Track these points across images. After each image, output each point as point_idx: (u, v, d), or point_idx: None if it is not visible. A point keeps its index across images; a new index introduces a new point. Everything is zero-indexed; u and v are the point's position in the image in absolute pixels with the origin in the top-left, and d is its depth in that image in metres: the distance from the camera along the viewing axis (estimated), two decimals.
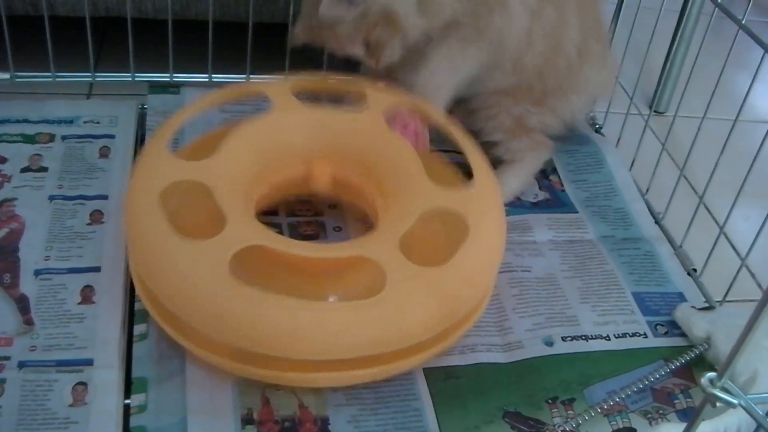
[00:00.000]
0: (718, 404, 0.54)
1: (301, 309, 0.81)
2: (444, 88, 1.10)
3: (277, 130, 1.01)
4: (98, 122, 1.20)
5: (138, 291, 0.92)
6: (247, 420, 0.85)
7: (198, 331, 0.85)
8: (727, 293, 1.07)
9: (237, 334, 0.82)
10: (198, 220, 0.90)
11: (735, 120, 1.06)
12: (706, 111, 1.12)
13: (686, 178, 1.19)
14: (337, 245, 0.99)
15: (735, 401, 0.54)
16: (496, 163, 1.16)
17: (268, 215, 1.07)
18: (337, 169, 1.03)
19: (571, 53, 1.15)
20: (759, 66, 1.02)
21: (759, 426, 0.56)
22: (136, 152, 1.16)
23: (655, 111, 1.53)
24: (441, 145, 1.11)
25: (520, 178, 1.19)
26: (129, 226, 0.91)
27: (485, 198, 0.97)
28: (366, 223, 1.07)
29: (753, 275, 1.08)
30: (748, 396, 0.54)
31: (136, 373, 0.88)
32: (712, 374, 0.54)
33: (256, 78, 1.30)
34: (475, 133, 1.13)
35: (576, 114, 1.23)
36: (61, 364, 0.88)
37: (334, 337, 0.82)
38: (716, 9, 1.10)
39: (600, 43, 1.21)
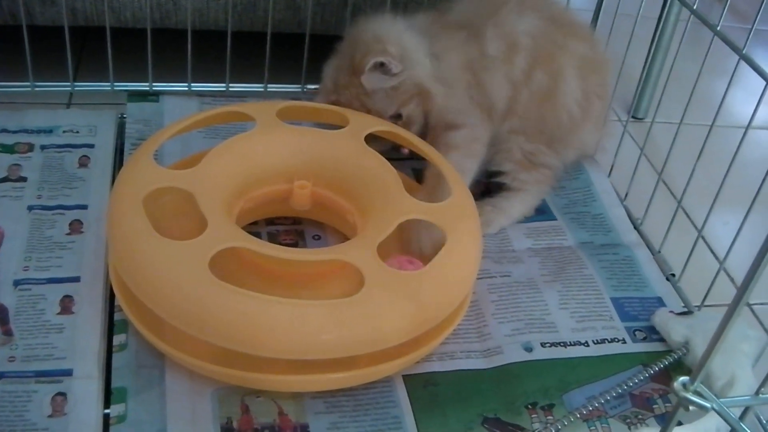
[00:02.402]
0: (692, 408, 0.54)
1: (279, 305, 0.82)
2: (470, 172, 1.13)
3: (260, 147, 1.02)
4: (77, 132, 1.20)
5: (117, 296, 0.92)
6: (226, 429, 0.84)
7: (177, 334, 0.85)
8: (705, 298, 1.07)
9: (216, 331, 0.82)
10: (180, 229, 0.90)
11: (711, 125, 1.06)
12: (683, 116, 1.12)
13: (665, 183, 1.20)
14: (316, 250, 1.00)
15: (708, 405, 0.54)
16: (498, 190, 1.19)
17: (248, 225, 1.07)
18: (317, 188, 1.04)
19: (573, 110, 1.18)
20: (734, 71, 1.03)
21: (733, 429, 0.56)
22: (115, 162, 1.16)
23: (633, 117, 1.54)
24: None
25: (523, 206, 1.20)
26: (111, 227, 0.91)
27: (461, 209, 0.98)
28: (345, 233, 1.08)
29: (732, 279, 1.09)
30: (722, 399, 0.54)
31: (115, 383, 0.87)
32: (685, 378, 0.55)
33: (235, 86, 1.30)
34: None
35: (568, 163, 1.26)
36: (40, 374, 0.87)
37: (312, 334, 0.82)
38: (692, 15, 1.11)
39: (602, 101, 1.23)
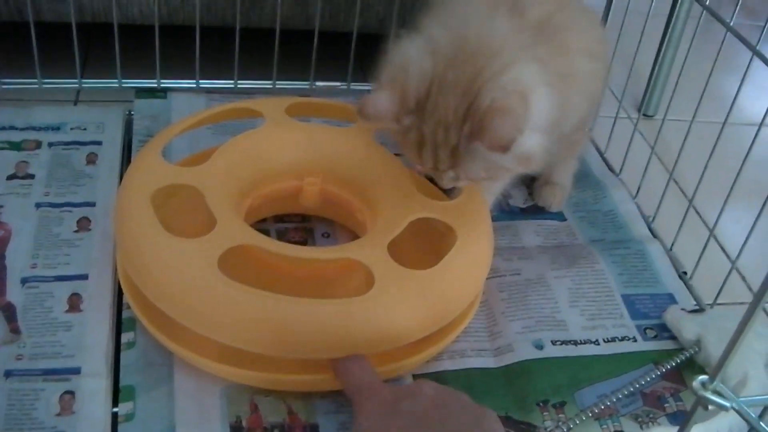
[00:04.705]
0: (710, 407, 0.54)
1: (289, 304, 0.81)
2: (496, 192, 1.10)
3: (269, 144, 1.01)
4: (85, 129, 1.19)
5: (126, 294, 0.92)
6: (235, 428, 0.84)
7: (186, 333, 0.84)
8: (717, 296, 1.07)
9: (225, 330, 0.82)
10: (188, 227, 0.89)
11: (724, 123, 1.06)
12: (695, 114, 1.12)
13: (676, 182, 1.19)
14: (326, 248, 0.99)
15: (727, 404, 0.53)
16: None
17: (256, 222, 1.06)
18: (327, 185, 1.03)
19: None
20: (747, 68, 1.02)
21: (752, 429, 0.55)
22: (123, 159, 1.15)
23: (643, 114, 1.53)
24: None
25: (572, 173, 1.21)
26: (119, 225, 0.91)
27: (472, 208, 0.97)
28: (355, 231, 1.07)
29: (743, 278, 1.08)
30: (740, 398, 0.54)
31: (123, 381, 0.87)
32: (703, 377, 0.54)
33: (243, 83, 1.29)
34: None
35: None
36: (48, 372, 0.87)
37: (322, 333, 0.81)
38: (704, 12, 1.10)
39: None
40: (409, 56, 0.89)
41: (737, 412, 0.54)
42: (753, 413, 0.55)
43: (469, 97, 0.86)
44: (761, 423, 0.54)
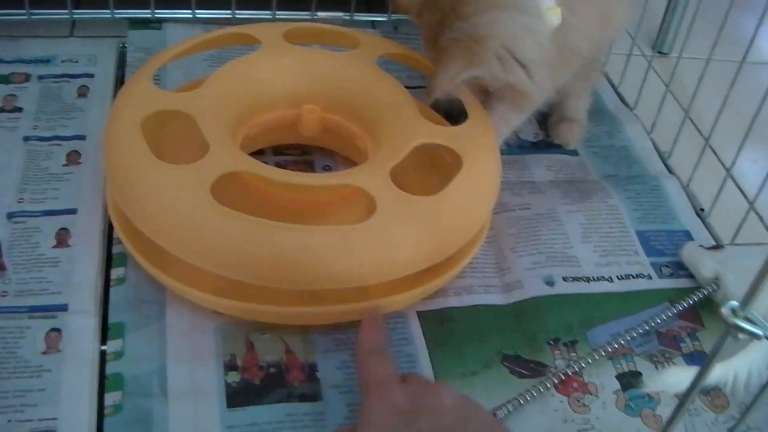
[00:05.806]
0: (740, 336, 0.49)
1: (286, 232, 0.77)
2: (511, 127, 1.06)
3: (266, 69, 0.96)
4: (76, 61, 1.15)
5: (116, 228, 0.88)
6: (230, 366, 0.80)
7: (179, 266, 0.80)
8: (735, 235, 1.03)
9: (218, 260, 0.78)
10: (181, 156, 0.84)
11: (742, 61, 1.02)
12: (711, 52, 1.08)
13: (691, 120, 1.15)
14: (326, 174, 0.95)
15: (760, 332, 0.49)
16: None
17: (254, 154, 1.01)
18: (326, 112, 0.98)
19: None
20: (767, 6, 0.98)
21: None
22: (115, 92, 1.10)
23: (658, 52, 1.48)
24: None
25: (587, 107, 1.16)
26: (107, 151, 0.86)
27: (478, 134, 0.92)
28: (356, 163, 1.02)
29: (761, 218, 1.04)
30: None
31: (113, 318, 0.83)
32: (734, 303, 0.49)
33: (241, 13, 1.24)
34: None
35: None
36: (34, 309, 0.83)
37: (320, 262, 0.77)
38: None
39: None
40: None
41: None
42: None
43: (443, 21, 0.90)
44: None
